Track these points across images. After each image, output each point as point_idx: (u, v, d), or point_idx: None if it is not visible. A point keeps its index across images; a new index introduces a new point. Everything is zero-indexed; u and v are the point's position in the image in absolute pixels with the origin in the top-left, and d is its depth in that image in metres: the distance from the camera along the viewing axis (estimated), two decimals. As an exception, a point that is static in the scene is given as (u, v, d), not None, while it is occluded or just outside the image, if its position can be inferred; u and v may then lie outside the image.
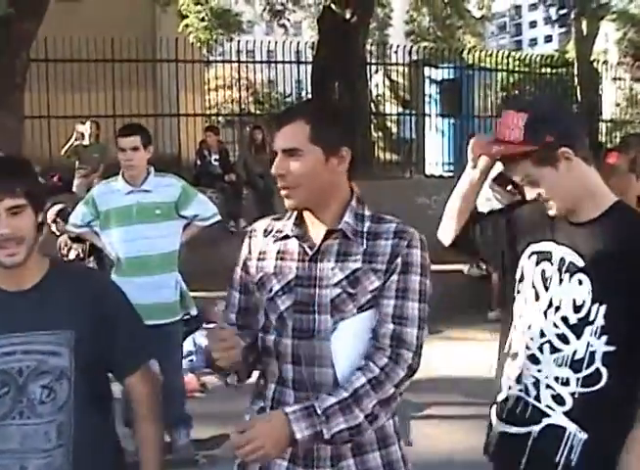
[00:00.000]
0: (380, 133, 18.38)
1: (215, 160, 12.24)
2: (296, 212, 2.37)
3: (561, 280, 2.45)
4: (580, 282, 2.39)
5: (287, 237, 2.37)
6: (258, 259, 2.40)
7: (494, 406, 2.63)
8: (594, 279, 2.37)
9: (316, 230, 2.34)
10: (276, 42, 15.73)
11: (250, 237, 2.47)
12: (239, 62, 16.20)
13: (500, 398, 2.60)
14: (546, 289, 2.49)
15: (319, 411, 2.11)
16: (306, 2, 24.32)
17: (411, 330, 2.22)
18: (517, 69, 19.63)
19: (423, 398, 6.41)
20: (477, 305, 9.27)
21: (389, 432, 2.35)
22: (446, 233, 2.77)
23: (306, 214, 2.36)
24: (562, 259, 2.45)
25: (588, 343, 2.37)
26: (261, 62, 16.84)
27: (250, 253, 2.44)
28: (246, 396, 2.50)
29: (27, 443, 2.30)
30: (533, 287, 2.53)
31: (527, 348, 2.51)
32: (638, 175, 4.18)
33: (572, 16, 21.44)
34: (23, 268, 2.32)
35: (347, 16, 14.76)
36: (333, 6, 15.03)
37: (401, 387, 2.21)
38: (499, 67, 17.84)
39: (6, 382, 2.30)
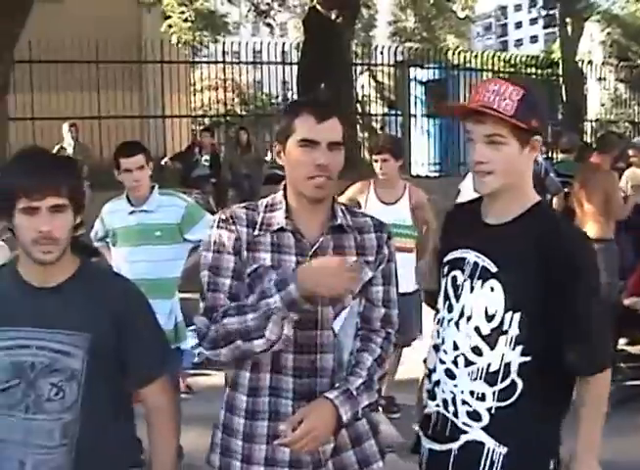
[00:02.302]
0: (366, 134, 18.40)
1: (206, 160, 12.17)
2: (284, 205, 2.38)
3: (472, 288, 2.33)
4: (492, 289, 2.28)
5: (281, 230, 2.35)
6: (248, 250, 2.34)
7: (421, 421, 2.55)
8: (507, 286, 2.26)
9: (310, 224, 2.38)
10: (262, 43, 15.73)
11: (232, 224, 2.36)
12: (224, 63, 16.22)
13: (426, 412, 2.50)
14: (457, 298, 2.38)
15: (355, 393, 2.28)
16: (292, 3, 24.32)
17: (394, 311, 2.48)
18: (502, 69, 19.69)
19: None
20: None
21: (363, 430, 2.45)
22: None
23: (299, 208, 2.38)
24: (475, 265, 2.34)
25: (503, 354, 2.26)
26: (247, 63, 16.83)
27: (237, 240, 2.35)
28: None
29: (30, 437, 2.29)
30: (447, 298, 2.43)
31: (442, 362, 2.40)
32: (620, 173, 4.21)
33: (558, 16, 21.54)
34: (53, 266, 2.31)
35: (333, 16, 14.74)
36: (318, 7, 15.01)
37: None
38: (485, 67, 17.89)
39: (18, 374, 2.30)
